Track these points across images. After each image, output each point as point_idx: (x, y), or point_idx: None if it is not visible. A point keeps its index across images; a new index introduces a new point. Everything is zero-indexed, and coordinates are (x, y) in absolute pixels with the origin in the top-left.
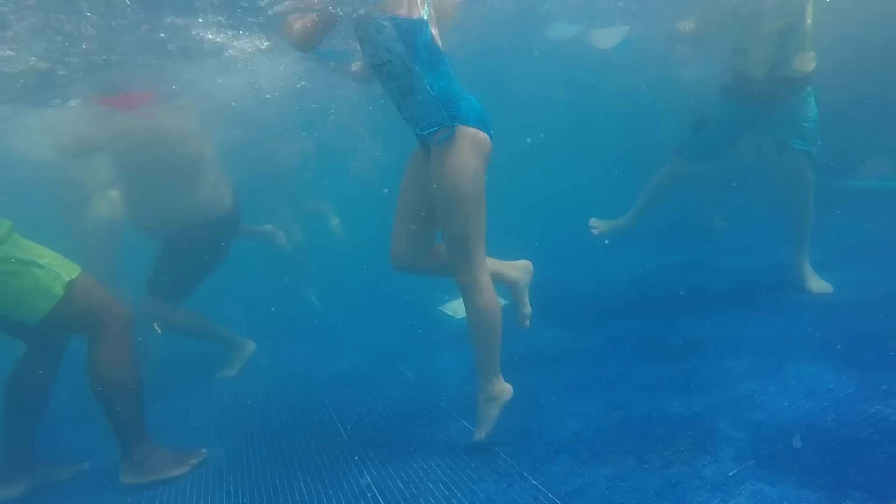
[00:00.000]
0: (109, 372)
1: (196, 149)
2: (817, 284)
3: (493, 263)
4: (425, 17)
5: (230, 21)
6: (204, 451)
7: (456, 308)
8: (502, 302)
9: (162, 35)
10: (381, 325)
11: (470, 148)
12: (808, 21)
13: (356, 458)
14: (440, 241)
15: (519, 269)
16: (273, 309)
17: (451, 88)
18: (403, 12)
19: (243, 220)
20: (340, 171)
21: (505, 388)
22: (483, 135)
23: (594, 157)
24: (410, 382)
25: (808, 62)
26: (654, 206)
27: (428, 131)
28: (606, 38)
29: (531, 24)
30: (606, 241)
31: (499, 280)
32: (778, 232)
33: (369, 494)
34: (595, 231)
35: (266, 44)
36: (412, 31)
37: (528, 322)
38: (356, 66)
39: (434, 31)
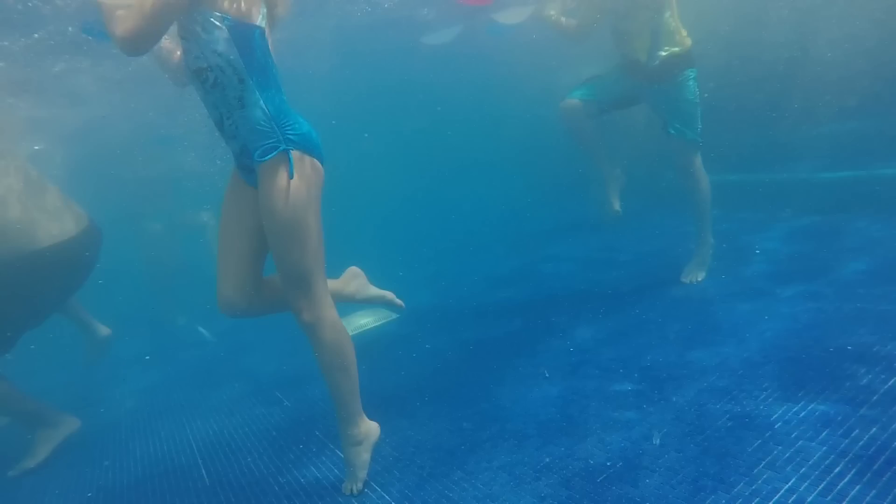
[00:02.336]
0: None
1: None
2: (691, 275)
3: (332, 289)
4: (261, 24)
5: None
6: None
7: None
8: (392, 316)
9: None
10: (265, 349)
11: (307, 175)
12: (673, 11)
13: None
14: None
15: (351, 280)
16: (147, 357)
17: (285, 106)
18: (238, 13)
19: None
20: (222, 183)
21: (371, 428)
22: (317, 162)
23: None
24: (287, 412)
25: (682, 42)
26: (602, 155)
27: (262, 155)
28: (511, 15)
29: (407, 32)
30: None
31: (347, 300)
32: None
33: None
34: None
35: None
36: (247, 37)
37: (400, 302)
38: (178, 56)
39: (270, 40)
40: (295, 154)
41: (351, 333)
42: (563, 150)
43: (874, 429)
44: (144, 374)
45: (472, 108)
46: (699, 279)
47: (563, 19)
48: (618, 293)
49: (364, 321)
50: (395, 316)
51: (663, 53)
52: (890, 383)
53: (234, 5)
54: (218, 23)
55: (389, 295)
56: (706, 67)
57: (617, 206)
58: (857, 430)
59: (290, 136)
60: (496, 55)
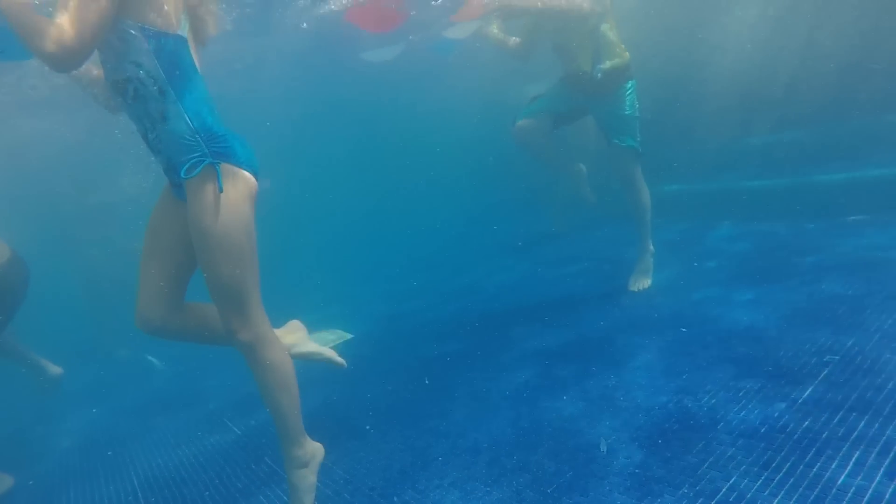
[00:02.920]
0: None
1: None
2: (638, 283)
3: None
4: (183, 34)
5: None
6: None
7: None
8: (347, 336)
9: None
10: (217, 374)
11: (237, 189)
12: (610, 25)
13: None
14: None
15: (291, 332)
16: (85, 389)
17: (212, 119)
18: (157, 23)
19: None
20: None
21: (316, 448)
22: (250, 176)
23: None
24: (236, 440)
25: (621, 55)
26: (563, 160)
27: (188, 172)
28: (460, 31)
29: (347, 48)
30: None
31: (296, 356)
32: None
33: None
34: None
35: None
36: (166, 47)
37: (341, 361)
38: (96, 73)
39: (193, 50)
40: (224, 167)
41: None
42: (514, 165)
43: (807, 421)
44: (84, 410)
45: (421, 125)
46: (646, 286)
47: (504, 37)
48: (569, 304)
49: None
50: (348, 336)
51: (606, 66)
52: (822, 375)
53: (151, 14)
54: (134, 31)
55: (329, 352)
56: (644, 82)
57: (591, 196)
58: (791, 425)
59: (218, 150)
60: (442, 71)
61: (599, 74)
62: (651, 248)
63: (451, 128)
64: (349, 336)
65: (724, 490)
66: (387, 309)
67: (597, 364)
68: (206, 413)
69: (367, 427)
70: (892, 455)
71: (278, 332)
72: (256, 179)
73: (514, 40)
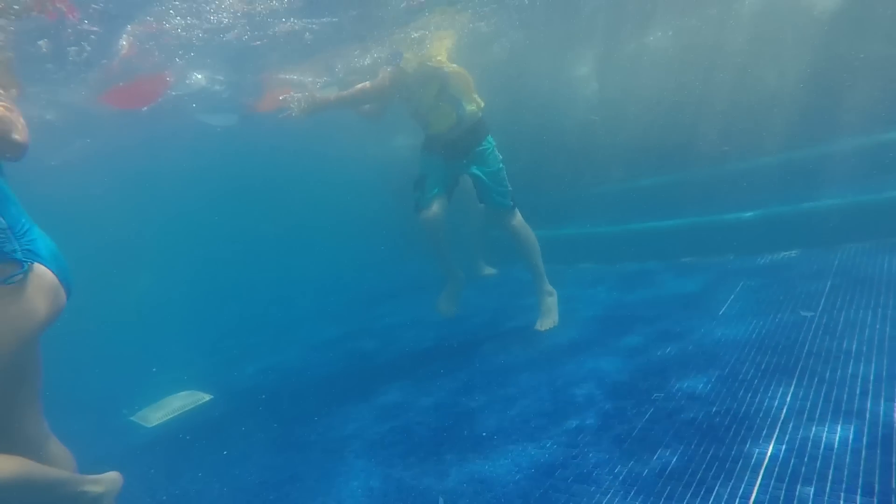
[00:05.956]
0: None
1: None
2: (545, 322)
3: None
4: None
5: None
6: None
7: (148, 416)
8: (205, 398)
9: None
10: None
11: (44, 293)
12: (456, 80)
13: None
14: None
15: (105, 480)
16: None
17: (21, 217)
18: None
19: None
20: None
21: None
22: (58, 282)
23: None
24: None
25: (477, 102)
26: (449, 254)
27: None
28: (220, 118)
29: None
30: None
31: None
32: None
33: None
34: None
35: None
36: None
37: None
38: None
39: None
40: (35, 267)
41: (155, 423)
42: (383, 215)
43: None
44: None
45: (287, 181)
46: (551, 326)
47: (343, 95)
48: (466, 347)
49: (170, 408)
50: (206, 398)
51: (467, 110)
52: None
53: None
54: None
55: None
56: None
57: (453, 310)
58: (668, 487)
59: (31, 248)
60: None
61: (466, 123)
62: (549, 287)
63: (318, 182)
64: (207, 398)
65: None
66: (252, 364)
67: (456, 419)
68: None
69: (214, 497)
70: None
71: (90, 477)
72: (67, 291)
73: (364, 108)
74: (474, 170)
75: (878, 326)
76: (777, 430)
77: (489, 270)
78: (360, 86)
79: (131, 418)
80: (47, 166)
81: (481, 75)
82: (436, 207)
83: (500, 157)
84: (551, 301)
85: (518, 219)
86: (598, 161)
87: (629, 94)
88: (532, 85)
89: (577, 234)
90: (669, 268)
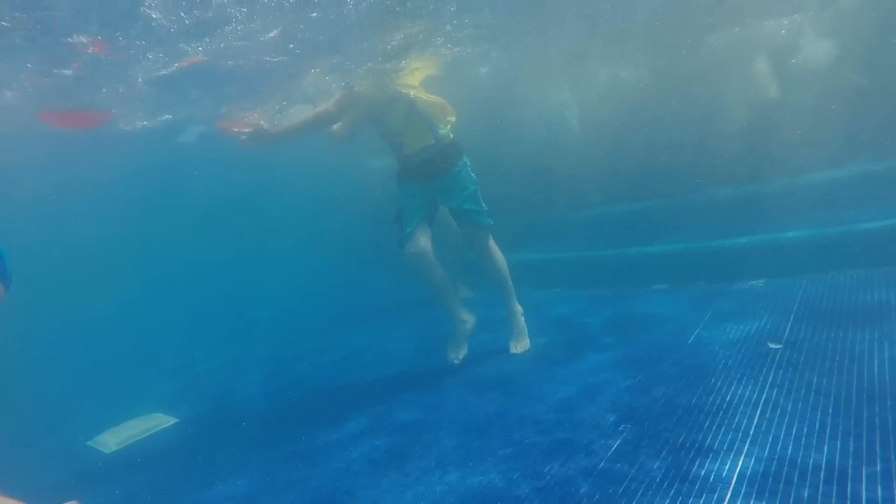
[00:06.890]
0: None
1: None
2: (518, 345)
3: None
4: None
5: None
6: None
7: (107, 441)
8: (170, 421)
9: None
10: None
11: None
12: (424, 99)
13: None
14: None
15: None
16: None
17: None
18: None
19: None
20: None
21: None
22: None
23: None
24: None
25: (445, 136)
26: (448, 291)
27: None
28: (187, 135)
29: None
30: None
31: None
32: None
33: None
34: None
35: None
36: None
37: None
38: None
39: None
40: None
41: (114, 448)
42: (349, 237)
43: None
44: None
45: (249, 199)
46: (525, 348)
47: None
48: (435, 373)
49: (130, 432)
50: (172, 421)
51: (442, 131)
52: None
53: None
54: None
55: None
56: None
57: (459, 357)
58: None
59: None
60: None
61: (443, 141)
62: (519, 308)
63: (283, 201)
64: (173, 421)
65: None
66: (216, 384)
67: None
68: None
69: None
70: None
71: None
72: (6, 288)
73: (333, 128)
74: (451, 204)
75: (836, 359)
76: (741, 458)
77: (467, 293)
78: (311, 112)
79: (88, 443)
80: None
81: (462, 101)
82: (418, 241)
83: (474, 177)
84: (522, 322)
85: (491, 241)
86: (573, 186)
87: (604, 120)
88: (515, 110)
89: (548, 258)
90: (639, 294)
